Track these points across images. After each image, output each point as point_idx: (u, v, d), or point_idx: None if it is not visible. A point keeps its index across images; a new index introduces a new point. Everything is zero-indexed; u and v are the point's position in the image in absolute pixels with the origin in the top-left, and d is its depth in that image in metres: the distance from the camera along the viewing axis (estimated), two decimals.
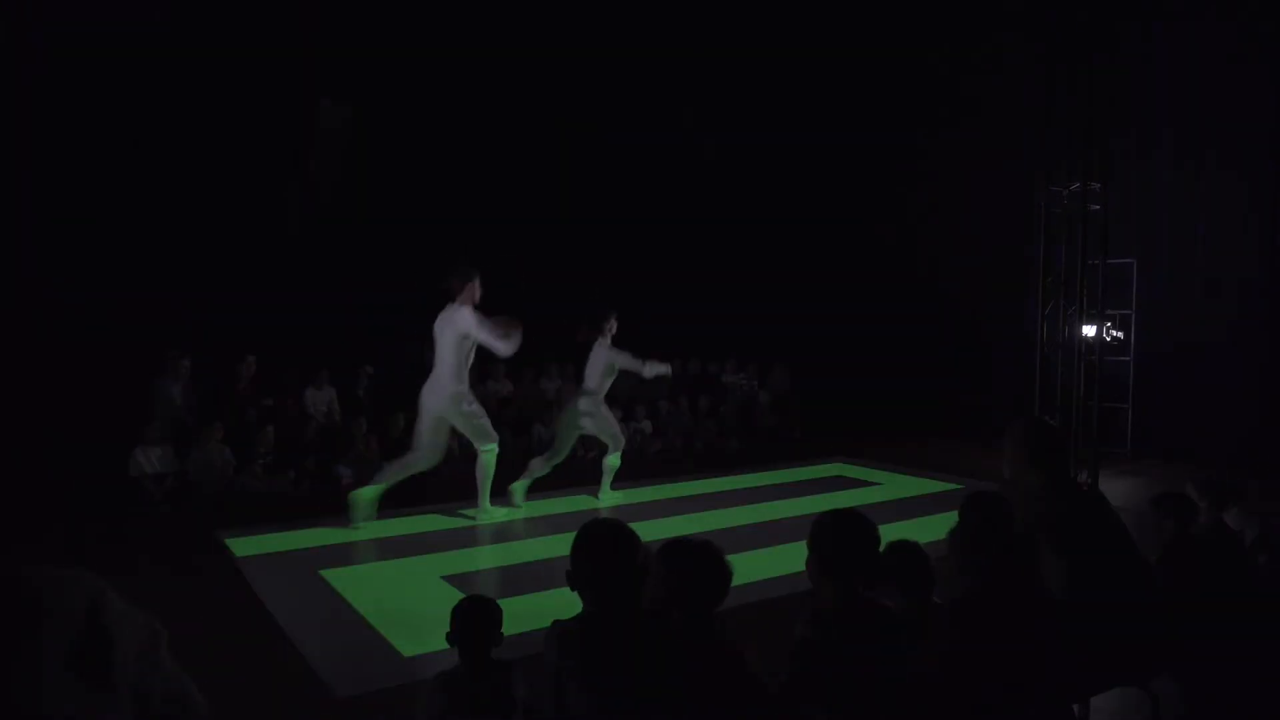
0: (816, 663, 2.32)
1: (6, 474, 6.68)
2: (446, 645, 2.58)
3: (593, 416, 7.49)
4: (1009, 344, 10.61)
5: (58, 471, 7.01)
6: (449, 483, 8.45)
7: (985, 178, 11.02)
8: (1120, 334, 9.76)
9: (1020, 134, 10.12)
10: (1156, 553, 3.54)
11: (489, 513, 6.92)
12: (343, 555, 5.95)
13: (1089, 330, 8.24)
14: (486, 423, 6.78)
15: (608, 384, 7.60)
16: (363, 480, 8.35)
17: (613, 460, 7.65)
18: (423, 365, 9.84)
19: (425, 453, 6.69)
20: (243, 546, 6.12)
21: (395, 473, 6.77)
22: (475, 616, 2.58)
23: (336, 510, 7.28)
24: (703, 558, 2.31)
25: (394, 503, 7.01)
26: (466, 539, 6.43)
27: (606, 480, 7.70)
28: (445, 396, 6.56)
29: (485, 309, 6.73)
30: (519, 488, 7.37)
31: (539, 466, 7.51)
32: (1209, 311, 9.29)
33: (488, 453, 6.79)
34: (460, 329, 6.51)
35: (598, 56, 10.63)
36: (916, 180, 11.95)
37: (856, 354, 12.10)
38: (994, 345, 10.97)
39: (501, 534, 6.61)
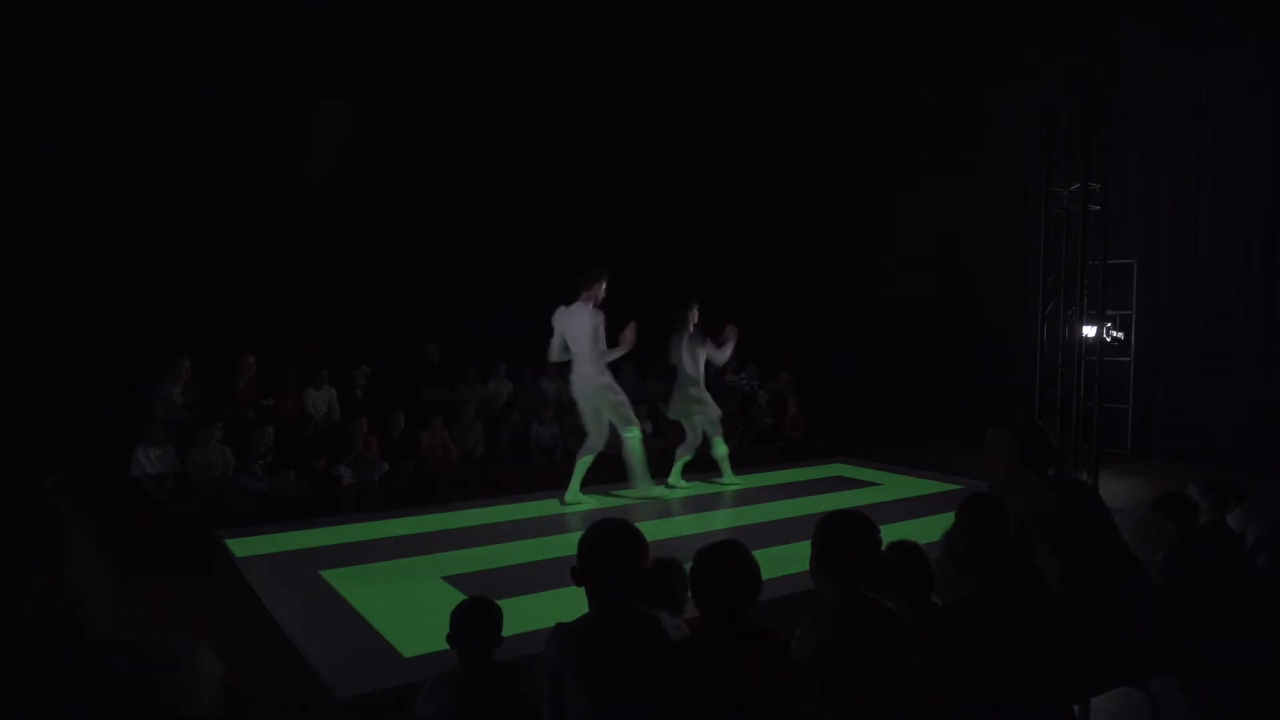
0: (818, 663, 2.32)
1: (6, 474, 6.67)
2: (447, 646, 2.58)
3: (703, 404, 7.98)
4: (1009, 344, 10.61)
5: (58, 472, 6.99)
6: (449, 483, 8.47)
7: (985, 177, 11.01)
8: (1120, 334, 9.75)
9: (1020, 134, 10.12)
10: (1158, 554, 3.54)
11: (650, 490, 7.54)
12: (343, 555, 5.95)
13: (1089, 330, 8.23)
14: (630, 410, 7.39)
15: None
16: (363, 480, 8.37)
17: (722, 448, 8.11)
18: (424, 364, 9.93)
19: (597, 436, 7.38)
20: (243, 546, 6.11)
21: (583, 463, 7.39)
22: (475, 618, 2.58)
23: (336, 510, 7.29)
24: (714, 561, 2.31)
25: (395, 503, 7.02)
26: (467, 539, 6.43)
27: (726, 467, 8.19)
28: (596, 389, 7.21)
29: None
30: (675, 478, 8.03)
31: (684, 453, 8.08)
32: (1209, 312, 9.28)
33: (633, 437, 7.36)
34: (592, 325, 7.10)
35: (597, 57, 10.63)
36: (917, 180, 11.94)
37: (857, 354, 12.10)
38: (994, 345, 10.97)
39: (502, 534, 6.61)
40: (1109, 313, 8.63)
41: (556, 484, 7.68)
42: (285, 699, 3.78)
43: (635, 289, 7.90)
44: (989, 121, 10.98)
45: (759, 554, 2.36)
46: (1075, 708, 2.98)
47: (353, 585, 5.29)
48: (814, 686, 2.27)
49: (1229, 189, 9.14)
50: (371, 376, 9.47)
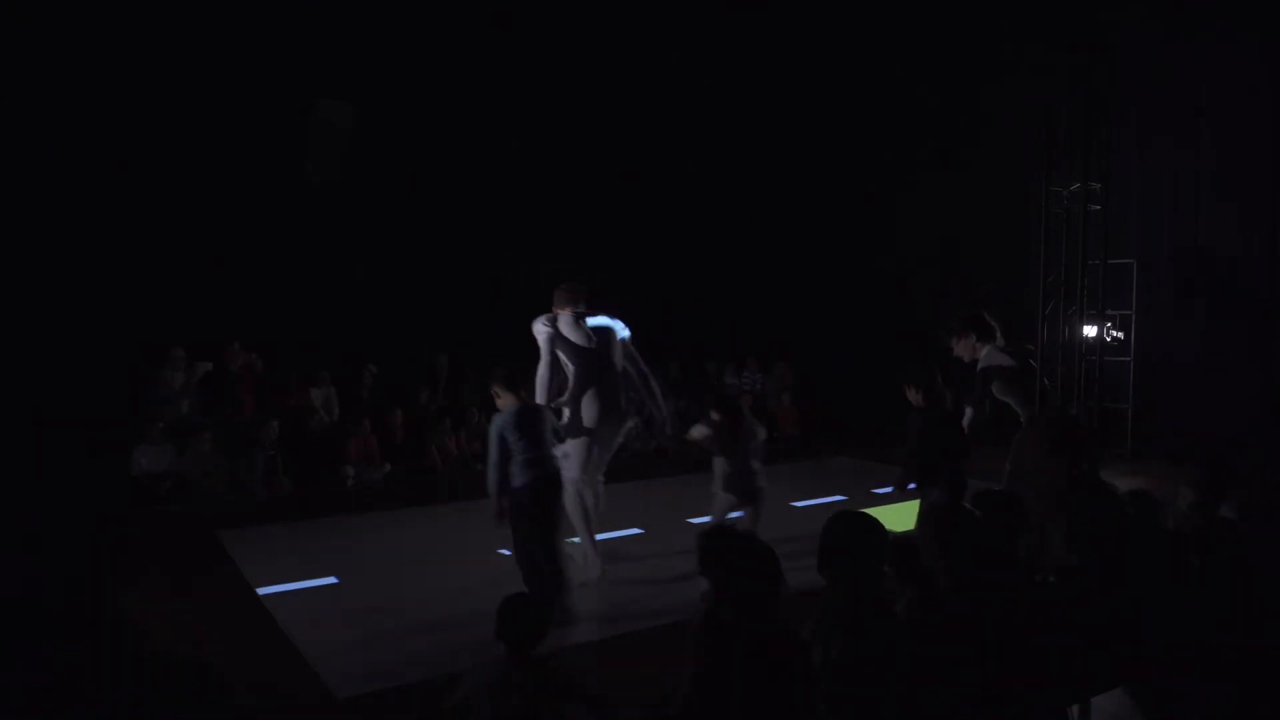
0: (821, 663, 2.32)
1: (6, 474, 6.68)
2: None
3: None
4: (1009, 344, 10.57)
5: (58, 471, 7.00)
6: (451, 484, 8.47)
7: (985, 177, 11.00)
8: (1120, 334, 9.75)
9: (1020, 134, 10.12)
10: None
11: None
12: (344, 555, 5.95)
13: (1089, 330, 8.23)
14: None
15: None
16: (364, 480, 8.35)
17: None
18: (424, 365, 9.92)
19: None
20: (243, 546, 6.11)
21: None
22: (519, 613, 2.67)
23: (336, 510, 7.28)
24: (744, 553, 2.34)
25: (397, 503, 7.01)
26: (467, 538, 6.42)
27: None
28: None
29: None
30: None
31: None
32: (1209, 311, 9.27)
33: None
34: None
35: (597, 57, 10.62)
36: (917, 180, 11.93)
37: (857, 354, 12.09)
38: None
39: (504, 534, 6.59)
40: (1109, 313, 8.63)
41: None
42: (285, 699, 3.78)
43: (635, 289, 7.89)
44: (989, 121, 10.97)
45: None
46: (1075, 707, 2.98)
47: (354, 585, 5.29)
48: (818, 686, 2.27)
49: (1229, 189, 9.14)
50: (376, 376, 9.48)
